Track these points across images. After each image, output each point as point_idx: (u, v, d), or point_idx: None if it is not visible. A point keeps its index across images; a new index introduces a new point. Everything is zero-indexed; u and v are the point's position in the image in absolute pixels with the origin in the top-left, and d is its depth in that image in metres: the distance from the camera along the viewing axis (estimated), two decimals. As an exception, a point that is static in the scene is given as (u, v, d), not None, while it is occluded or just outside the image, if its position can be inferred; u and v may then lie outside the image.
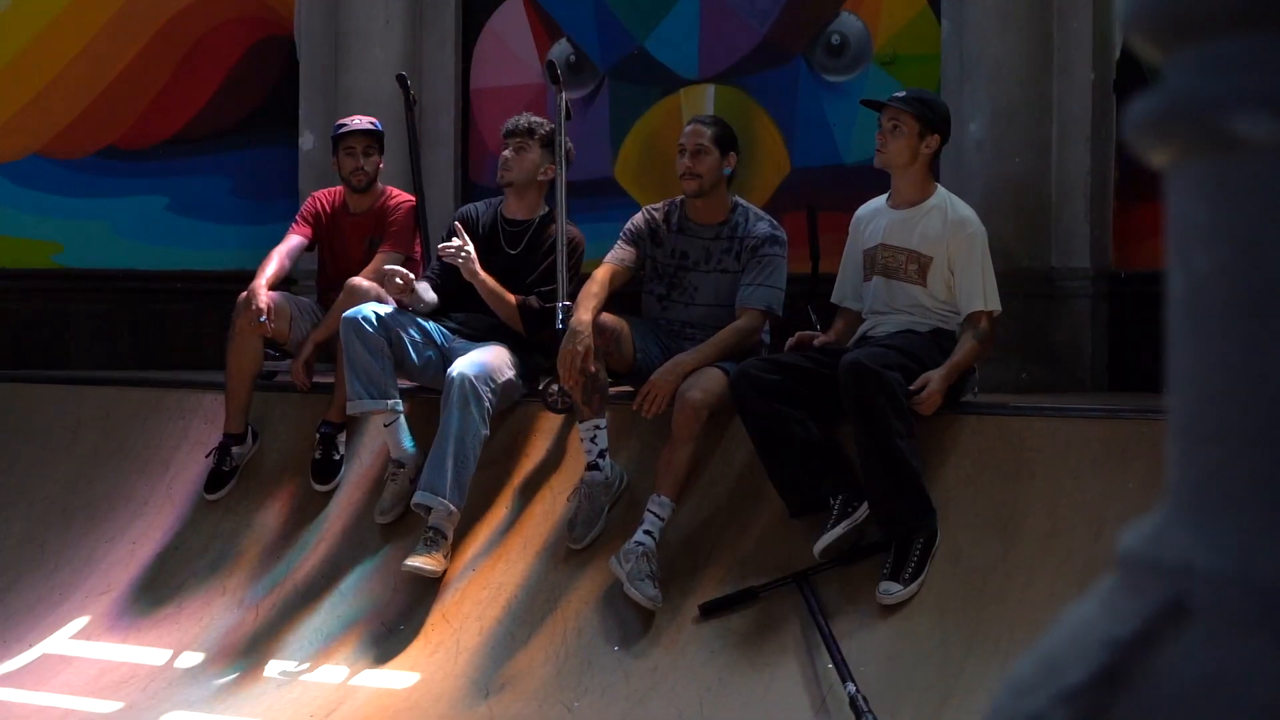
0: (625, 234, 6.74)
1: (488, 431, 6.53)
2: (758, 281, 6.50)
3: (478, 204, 7.26)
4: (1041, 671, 1.04)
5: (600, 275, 6.56)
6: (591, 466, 6.36)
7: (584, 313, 6.31)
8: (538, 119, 7.08)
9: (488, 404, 6.52)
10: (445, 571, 6.44)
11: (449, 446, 6.41)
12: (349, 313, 6.73)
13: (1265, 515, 1.01)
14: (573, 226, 7.03)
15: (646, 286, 6.78)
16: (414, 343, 6.79)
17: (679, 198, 6.71)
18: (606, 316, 6.38)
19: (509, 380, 6.72)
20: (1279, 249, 0.98)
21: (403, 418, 6.72)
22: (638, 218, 6.79)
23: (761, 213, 6.72)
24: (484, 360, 6.64)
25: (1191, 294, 1.05)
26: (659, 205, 6.79)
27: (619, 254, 6.67)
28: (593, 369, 6.25)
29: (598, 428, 6.34)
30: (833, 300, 6.54)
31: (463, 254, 6.78)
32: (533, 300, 6.86)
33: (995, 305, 6.17)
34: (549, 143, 6.99)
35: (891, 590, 5.76)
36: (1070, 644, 1.04)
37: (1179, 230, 1.08)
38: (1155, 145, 1.08)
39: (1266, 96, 0.97)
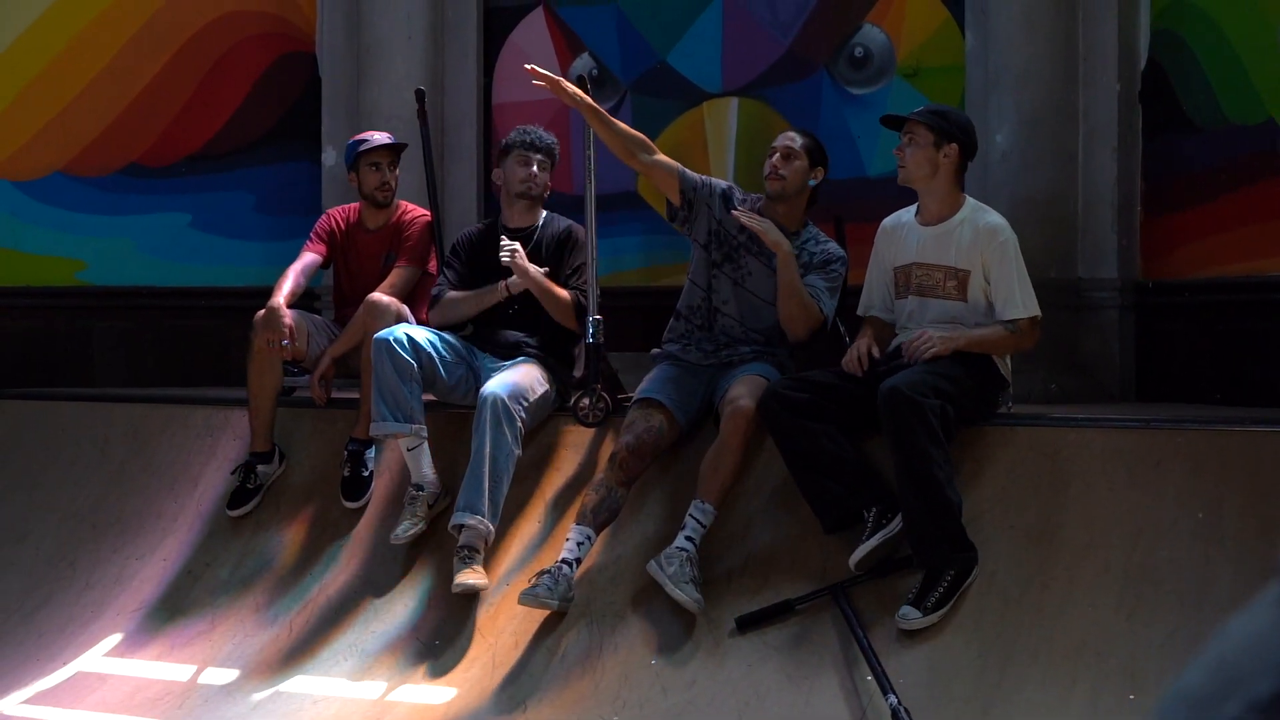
0: (705, 178, 6.79)
1: (520, 451, 6.55)
2: (825, 288, 6.50)
3: (469, 228, 7.36)
4: (1221, 683, 1.03)
5: (663, 156, 6.77)
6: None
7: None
8: (544, 134, 7.22)
9: (520, 424, 6.54)
10: (488, 585, 6.44)
11: (484, 467, 6.42)
12: (381, 334, 6.73)
13: None
14: (571, 222, 7.12)
15: (696, 255, 6.75)
16: (445, 362, 6.81)
17: (761, 195, 6.71)
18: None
19: (540, 398, 6.74)
20: None
21: (425, 443, 6.72)
22: (723, 182, 6.86)
23: (831, 239, 6.73)
24: (515, 380, 6.65)
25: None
26: (745, 191, 6.82)
27: (689, 171, 6.76)
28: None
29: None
30: (859, 312, 6.52)
31: (512, 253, 6.83)
32: (581, 297, 6.90)
33: (1034, 310, 6.14)
34: (549, 152, 7.17)
35: (910, 616, 5.74)
36: (1250, 657, 1.03)
37: None
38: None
39: None
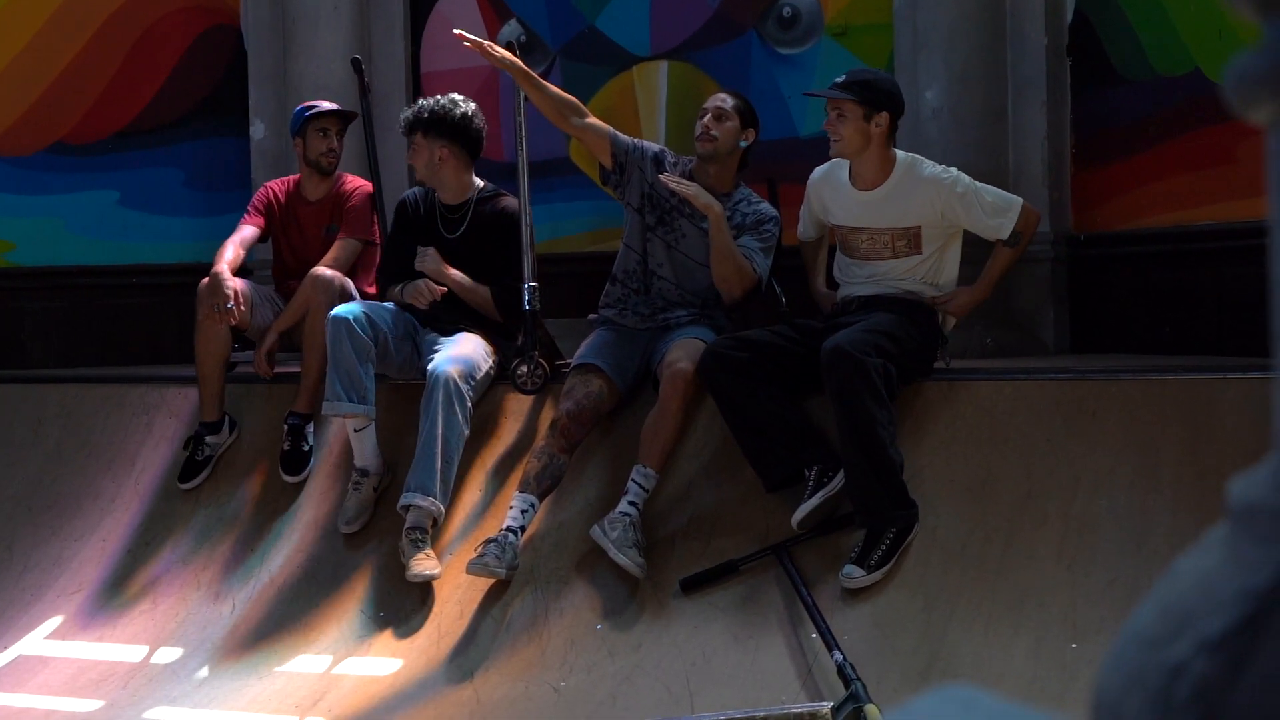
0: (636, 140, 6.77)
1: (469, 430, 6.53)
2: (758, 248, 6.50)
3: (416, 190, 7.21)
4: (1172, 623, 1.04)
5: (595, 120, 6.74)
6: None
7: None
8: (420, 108, 6.97)
9: (469, 403, 6.52)
10: (440, 574, 6.37)
11: (436, 447, 6.40)
12: (340, 311, 6.66)
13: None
14: (509, 198, 6.99)
15: (629, 219, 6.73)
16: (395, 338, 6.77)
17: (693, 157, 6.70)
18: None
19: (486, 372, 6.72)
20: None
21: (372, 425, 6.69)
22: (655, 145, 6.84)
23: (764, 199, 6.73)
24: (464, 355, 6.61)
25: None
26: (676, 154, 6.80)
27: (620, 134, 6.73)
28: None
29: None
30: (799, 236, 6.57)
31: (427, 257, 6.78)
32: (505, 291, 6.83)
33: (1017, 208, 6.20)
34: (435, 125, 6.89)
35: (853, 574, 5.78)
36: (1200, 595, 1.04)
37: None
38: (1256, 104, 1.08)
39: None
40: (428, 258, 6.81)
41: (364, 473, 6.69)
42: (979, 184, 6.23)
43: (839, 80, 6.23)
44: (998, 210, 6.17)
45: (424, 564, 6.30)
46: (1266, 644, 0.99)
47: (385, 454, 6.76)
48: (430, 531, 6.39)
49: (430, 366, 6.54)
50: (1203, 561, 1.11)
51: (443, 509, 6.41)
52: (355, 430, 6.69)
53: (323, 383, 6.78)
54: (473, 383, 6.58)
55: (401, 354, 6.81)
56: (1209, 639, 0.99)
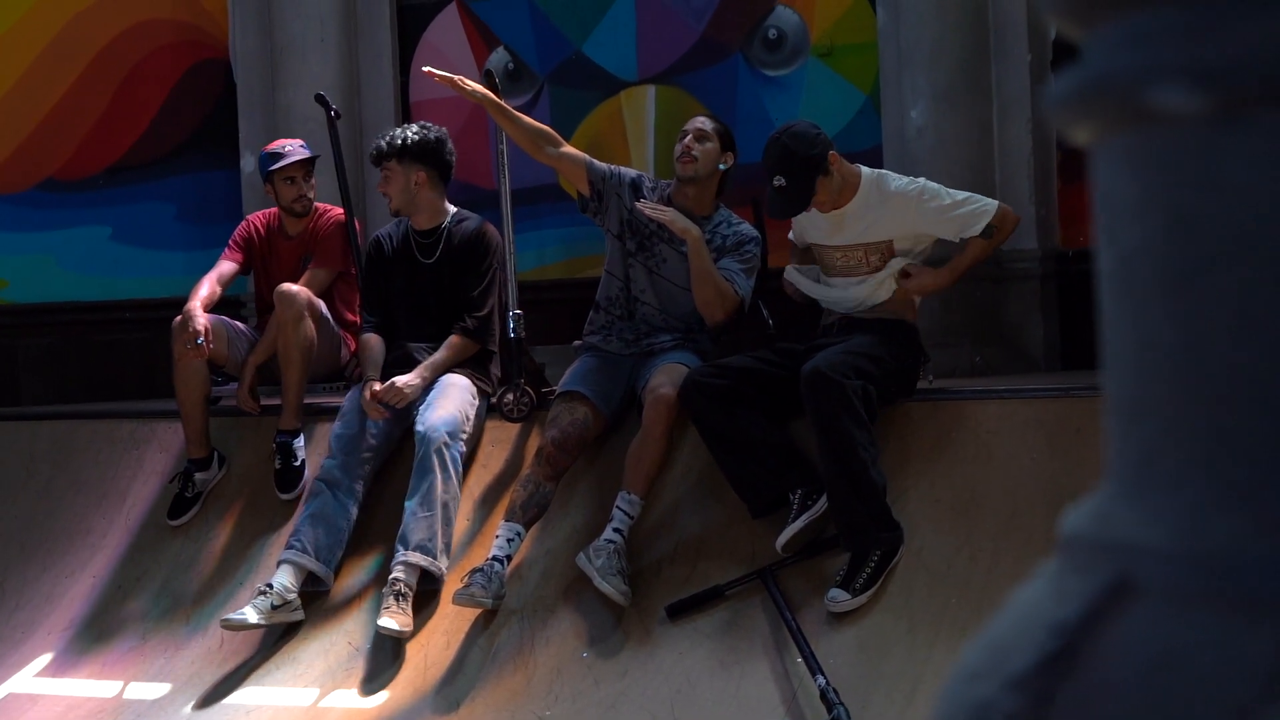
0: (613, 167, 6.75)
1: (461, 489, 6.52)
2: (740, 269, 6.48)
3: (389, 225, 7.21)
4: (989, 658, 1.03)
5: (570, 148, 6.71)
6: None
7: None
8: (394, 137, 6.98)
9: (460, 463, 6.52)
10: (411, 632, 6.30)
11: (436, 510, 6.36)
12: (326, 468, 6.66)
13: (1205, 489, 1.00)
14: (482, 221, 7.01)
15: (610, 245, 6.73)
16: (382, 427, 6.79)
17: (671, 180, 6.71)
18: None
19: (475, 418, 6.72)
20: (1204, 221, 0.97)
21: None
22: (632, 171, 6.83)
23: (744, 220, 6.72)
24: (451, 413, 6.56)
25: (1121, 269, 1.04)
26: (654, 179, 6.80)
27: (596, 162, 6.71)
28: None
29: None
30: (790, 236, 6.57)
31: (390, 393, 6.73)
32: (464, 331, 6.83)
33: (992, 207, 6.16)
34: (412, 151, 6.91)
35: (838, 599, 5.76)
36: (1017, 629, 1.03)
37: (1106, 205, 1.07)
38: (1078, 122, 1.07)
39: (1183, 68, 0.97)
40: (390, 393, 6.68)
41: (269, 586, 6.45)
42: (949, 190, 6.20)
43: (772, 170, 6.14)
44: (970, 211, 6.13)
45: (399, 618, 6.20)
46: (1073, 680, 0.98)
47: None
48: (413, 591, 6.31)
49: (418, 430, 6.52)
50: (1030, 594, 1.10)
51: (445, 571, 6.37)
52: (283, 563, 6.50)
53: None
54: (464, 437, 6.57)
55: (384, 434, 6.80)
56: (1015, 675, 0.98)
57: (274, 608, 6.37)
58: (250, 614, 6.31)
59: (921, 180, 6.23)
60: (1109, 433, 1.13)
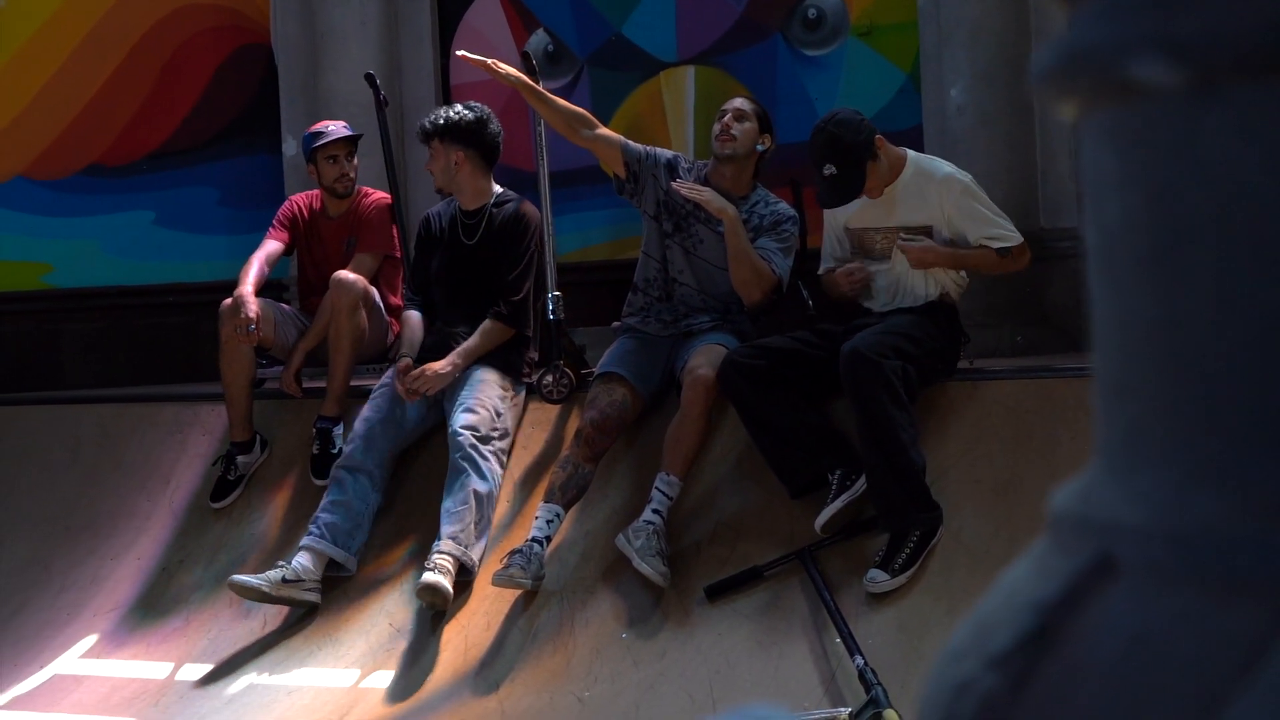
0: (649, 148, 6.75)
1: (498, 486, 6.56)
2: (777, 249, 6.48)
3: (441, 204, 7.23)
4: (972, 637, 1.02)
5: (605, 130, 6.75)
6: None
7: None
8: (436, 116, 7.03)
9: (494, 456, 6.55)
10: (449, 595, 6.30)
11: (471, 503, 6.39)
12: (348, 454, 6.70)
13: (1188, 467, 1.00)
14: (525, 203, 7.02)
15: (647, 226, 6.75)
16: (415, 411, 6.82)
17: (708, 160, 6.71)
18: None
19: (509, 409, 6.75)
20: (1182, 196, 0.97)
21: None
22: (668, 152, 6.82)
23: (781, 199, 6.71)
24: (481, 414, 6.59)
25: (1105, 245, 1.04)
26: (690, 159, 6.79)
27: (632, 144, 6.70)
28: None
29: None
30: (820, 272, 6.48)
31: (421, 381, 6.76)
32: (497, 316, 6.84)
33: (1018, 235, 6.14)
34: (451, 131, 6.93)
35: (878, 579, 5.75)
36: (1000, 608, 1.03)
37: (1091, 180, 1.07)
38: (1061, 96, 1.06)
39: (1163, 41, 0.96)
40: (420, 380, 6.71)
41: (288, 564, 6.52)
42: (993, 204, 6.17)
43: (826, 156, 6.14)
44: (998, 228, 6.11)
45: (440, 580, 6.20)
46: (1051, 659, 0.97)
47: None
48: (454, 571, 6.31)
49: (450, 430, 6.57)
50: (1016, 573, 1.10)
51: (477, 562, 6.40)
52: (307, 547, 6.56)
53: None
54: (496, 434, 6.60)
55: (420, 416, 6.83)
56: (994, 654, 0.98)
57: (285, 581, 6.44)
58: (258, 582, 6.41)
59: (971, 177, 6.19)
60: (1096, 410, 1.13)
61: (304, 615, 6.59)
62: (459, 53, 6.71)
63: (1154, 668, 0.92)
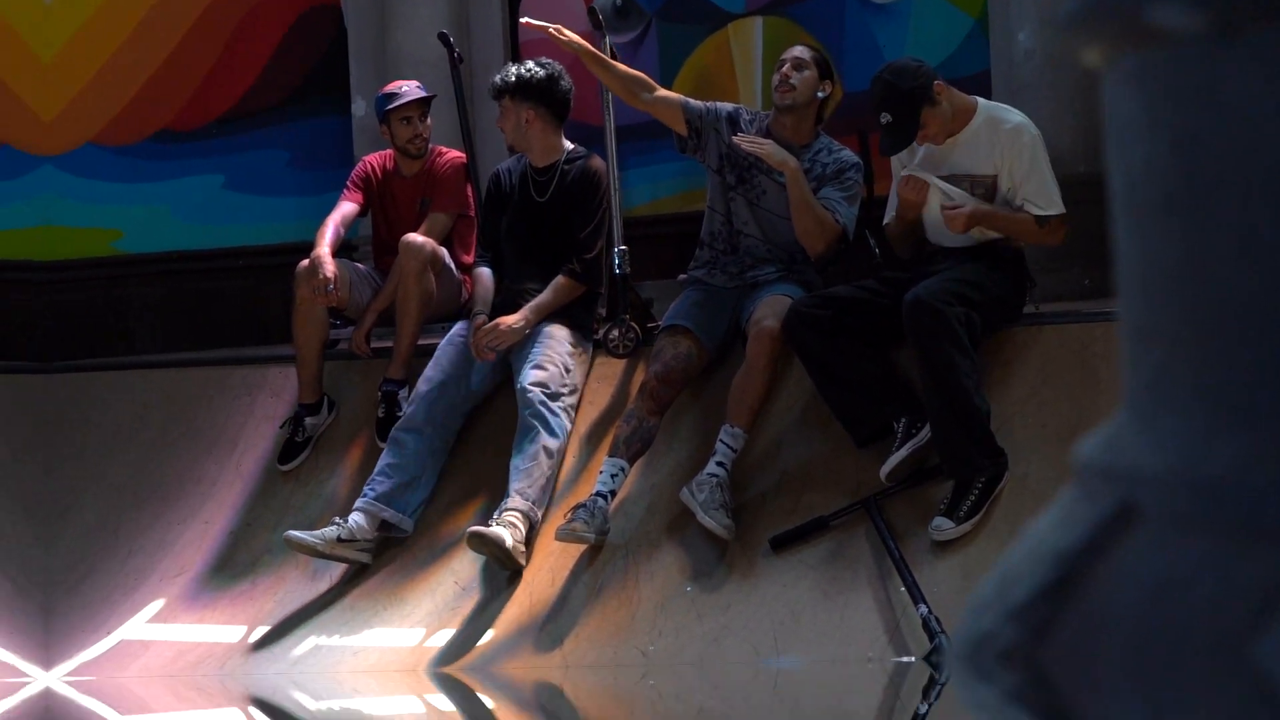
0: (709, 104, 6.72)
1: (565, 440, 6.57)
2: (841, 198, 6.43)
3: (510, 160, 7.22)
4: (996, 589, 1.01)
5: (664, 91, 6.78)
6: None
7: None
8: (507, 73, 7.00)
9: (563, 413, 6.56)
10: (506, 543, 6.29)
11: (541, 459, 6.41)
12: (408, 415, 6.73)
13: (1207, 414, 0.98)
14: (595, 159, 6.99)
15: (711, 181, 6.71)
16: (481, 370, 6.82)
17: (769, 111, 6.68)
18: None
19: (577, 365, 6.74)
20: (1205, 141, 0.95)
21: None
22: (729, 105, 6.79)
23: (845, 147, 6.66)
24: (550, 371, 6.60)
25: (1129, 189, 1.02)
26: (753, 110, 6.76)
27: (692, 101, 6.68)
28: None
29: None
30: (884, 223, 6.42)
31: (495, 335, 6.76)
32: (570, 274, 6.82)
33: (1062, 208, 6.06)
34: (521, 88, 6.90)
35: (943, 527, 5.74)
36: (1025, 559, 1.01)
37: (1116, 126, 1.05)
38: (1087, 42, 1.05)
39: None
40: (493, 334, 6.72)
41: (345, 522, 6.58)
42: (1050, 172, 6.08)
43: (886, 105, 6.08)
44: (1050, 189, 6.04)
45: (495, 531, 6.21)
46: (1072, 609, 0.95)
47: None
48: (522, 527, 6.32)
49: (519, 386, 6.58)
50: (1040, 525, 1.08)
51: (540, 515, 6.41)
52: (362, 509, 6.59)
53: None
54: (566, 390, 6.60)
55: (487, 376, 6.86)
56: (1015, 606, 0.96)
57: (340, 540, 6.51)
58: (314, 540, 6.48)
59: (1035, 131, 6.10)
60: (1122, 356, 1.11)
61: (369, 576, 6.61)
62: (523, 20, 6.72)
63: (1175, 614, 0.91)
